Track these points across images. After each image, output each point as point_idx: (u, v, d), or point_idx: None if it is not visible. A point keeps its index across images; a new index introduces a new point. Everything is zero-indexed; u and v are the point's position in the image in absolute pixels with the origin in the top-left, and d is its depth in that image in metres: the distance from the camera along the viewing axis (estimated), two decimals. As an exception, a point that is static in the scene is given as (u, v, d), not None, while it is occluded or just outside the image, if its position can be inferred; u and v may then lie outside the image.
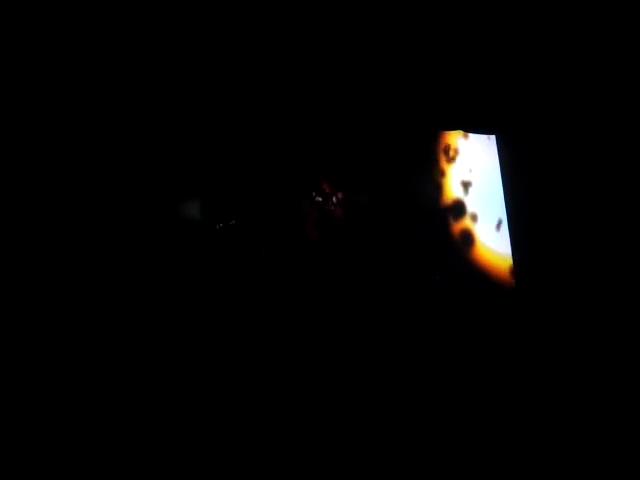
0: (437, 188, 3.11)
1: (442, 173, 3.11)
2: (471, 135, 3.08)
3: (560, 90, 2.94)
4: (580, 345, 2.91)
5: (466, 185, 3.12)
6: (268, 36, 2.77)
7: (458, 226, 3.11)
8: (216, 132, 2.85)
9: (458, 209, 3.10)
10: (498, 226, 3.09)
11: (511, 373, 2.95)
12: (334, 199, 2.99)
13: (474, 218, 3.11)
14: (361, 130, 2.98)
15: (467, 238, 3.10)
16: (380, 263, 2.96)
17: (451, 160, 3.11)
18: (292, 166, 2.92)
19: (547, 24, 2.86)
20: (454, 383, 2.90)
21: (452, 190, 3.12)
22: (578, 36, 2.84)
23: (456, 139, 3.11)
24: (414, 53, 2.83)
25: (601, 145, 2.98)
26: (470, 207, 3.11)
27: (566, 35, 2.85)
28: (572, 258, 3.02)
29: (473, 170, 3.12)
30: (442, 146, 3.12)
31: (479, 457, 2.75)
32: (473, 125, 3.00)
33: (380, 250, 2.98)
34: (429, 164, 3.10)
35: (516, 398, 2.89)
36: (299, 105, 2.88)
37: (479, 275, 3.07)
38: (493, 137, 3.05)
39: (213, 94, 2.82)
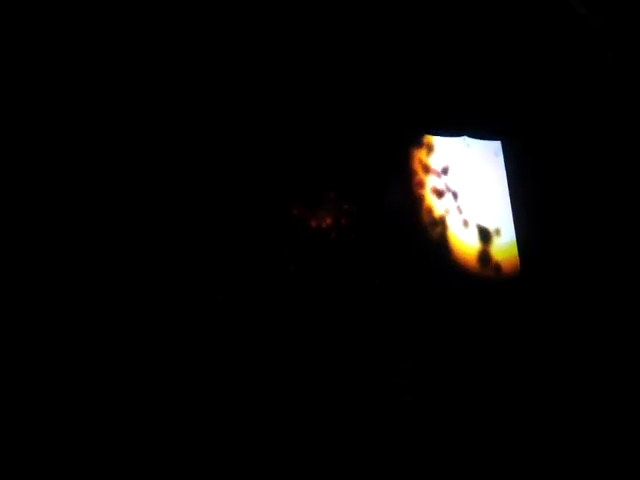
0: (434, 198, 3.10)
1: (438, 183, 3.09)
2: (469, 142, 3.03)
3: (569, 93, 2.88)
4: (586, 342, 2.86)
5: (464, 194, 3.09)
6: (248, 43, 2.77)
7: (458, 237, 3.09)
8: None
9: (456, 220, 3.08)
10: (497, 233, 3.06)
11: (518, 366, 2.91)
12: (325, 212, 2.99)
13: (476, 228, 3.08)
14: (352, 138, 2.98)
15: (469, 248, 3.08)
16: (376, 275, 2.96)
17: (446, 170, 3.09)
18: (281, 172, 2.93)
19: (555, 25, 2.80)
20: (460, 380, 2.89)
21: (450, 200, 3.09)
22: (586, 38, 2.78)
23: (453, 146, 3.07)
24: (413, 56, 2.80)
25: (612, 148, 2.92)
26: (470, 216, 3.08)
27: (574, 37, 2.79)
28: (584, 268, 2.96)
29: (470, 179, 3.08)
30: (435, 154, 3.09)
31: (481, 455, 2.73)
32: (479, 131, 2.95)
33: (376, 263, 2.98)
34: (421, 173, 3.09)
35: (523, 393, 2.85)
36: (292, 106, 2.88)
37: (483, 282, 3.05)
38: (489, 143, 3.00)
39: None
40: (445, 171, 3.09)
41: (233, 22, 2.75)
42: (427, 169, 3.10)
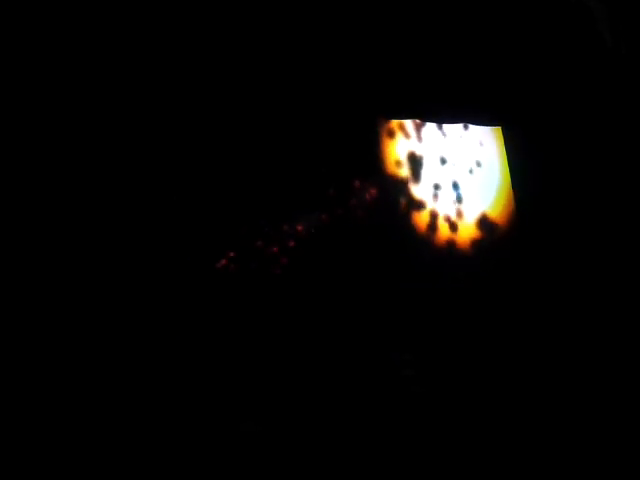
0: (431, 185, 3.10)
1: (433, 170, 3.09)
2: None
3: (570, 78, 2.87)
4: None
5: (462, 180, 3.08)
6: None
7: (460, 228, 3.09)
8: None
9: (452, 207, 3.08)
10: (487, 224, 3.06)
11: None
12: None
13: (472, 215, 3.07)
14: (348, 127, 2.97)
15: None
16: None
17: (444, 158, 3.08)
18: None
19: (557, 12, 2.78)
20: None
21: (449, 187, 3.09)
22: (588, 25, 2.75)
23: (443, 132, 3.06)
24: (414, 44, 2.77)
25: (613, 130, 2.91)
26: (466, 203, 3.07)
27: (576, 23, 2.77)
28: (586, 250, 2.97)
29: (466, 165, 3.08)
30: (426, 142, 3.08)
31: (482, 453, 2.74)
32: (479, 117, 2.93)
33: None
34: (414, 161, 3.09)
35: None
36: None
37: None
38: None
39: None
40: (439, 158, 3.09)
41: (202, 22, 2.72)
42: (421, 158, 3.10)
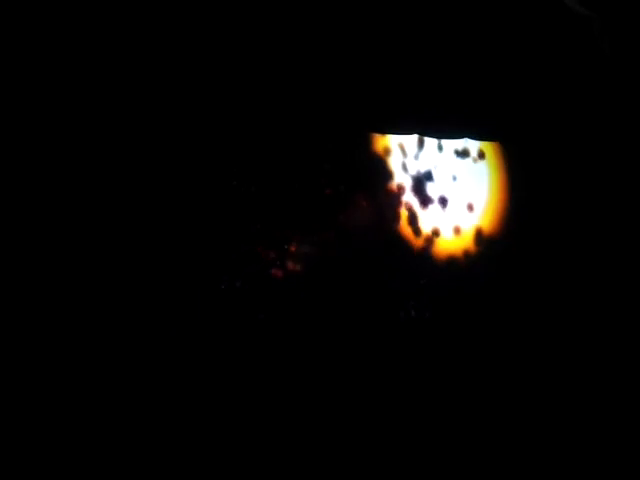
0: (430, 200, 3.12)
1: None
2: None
3: (568, 92, 2.89)
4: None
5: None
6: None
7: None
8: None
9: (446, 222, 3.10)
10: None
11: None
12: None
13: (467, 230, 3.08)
14: (346, 139, 3.00)
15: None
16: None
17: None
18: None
19: (553, 24, 2.81)
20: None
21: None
22: (584, 37, 2.78)
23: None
24: (411, 57, 2.79)
25: (612, 146, 2.93)
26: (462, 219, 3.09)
27: (572, 36, 2.80)
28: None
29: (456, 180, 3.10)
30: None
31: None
32: (478, 132, 2.95)
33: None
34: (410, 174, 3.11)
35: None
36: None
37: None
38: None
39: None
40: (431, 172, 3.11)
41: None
42: (418, 171, 3.12)
